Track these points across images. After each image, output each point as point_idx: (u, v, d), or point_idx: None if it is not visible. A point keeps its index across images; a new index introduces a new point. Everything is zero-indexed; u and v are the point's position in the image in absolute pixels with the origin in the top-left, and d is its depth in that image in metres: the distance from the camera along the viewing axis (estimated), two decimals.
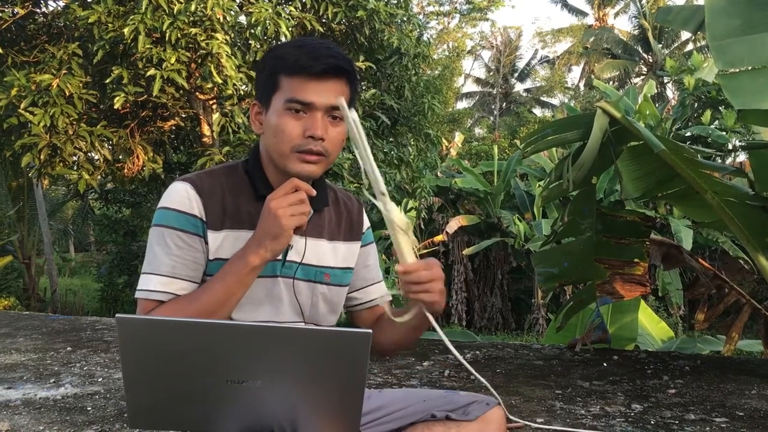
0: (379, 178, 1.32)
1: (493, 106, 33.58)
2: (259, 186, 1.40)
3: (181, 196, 1.36)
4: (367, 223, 1.59)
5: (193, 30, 6.16)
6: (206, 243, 1.35)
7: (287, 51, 1.37)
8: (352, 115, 1.33)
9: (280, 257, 1.39)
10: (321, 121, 1.32)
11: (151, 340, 1.07)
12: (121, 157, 7.50)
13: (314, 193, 1.31)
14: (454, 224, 14.10)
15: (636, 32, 29.71)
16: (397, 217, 1.32)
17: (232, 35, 6.69)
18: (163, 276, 1.33)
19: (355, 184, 7.24)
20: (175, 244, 1.34)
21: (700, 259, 4.60)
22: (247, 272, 1.28)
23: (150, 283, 1.33)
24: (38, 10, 7.62)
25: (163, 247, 1.34)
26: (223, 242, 1.35)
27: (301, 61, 1.33)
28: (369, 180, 1.33)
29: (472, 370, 1.40)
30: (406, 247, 1.33)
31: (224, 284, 1.29)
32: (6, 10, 7.14)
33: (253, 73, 6.24)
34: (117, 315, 1.05)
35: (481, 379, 1.41)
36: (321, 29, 7.39)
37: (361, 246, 1.55)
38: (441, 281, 1.31)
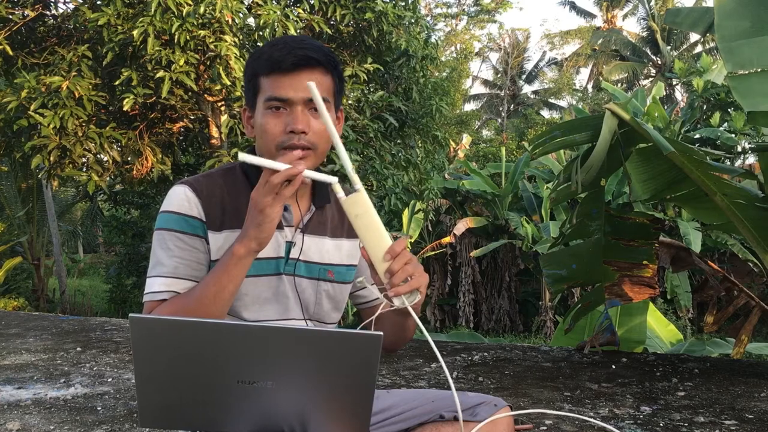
0: (345, 156, 1.28)
1: (500, 108, 33.52)
2: None
3: (180, 198, 1.37)
4: None
5: (202, 32, 6.19)
6: (207, 243, 1.36)
7: (263, 51, 1.38)
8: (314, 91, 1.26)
9: (282, 255, 1.39)
10: (301, 115, 1.32)
11: (164, 339, 1.07)
12: (130, 158, 7.53)
13: (297, 171, 1.22)
14: (461, 226, 14.10)
15: (644, 34, 29.64)
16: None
17: (241, 37, 6.71)
18: (166, 277, 1.34)
19: (364, 186, 7.22)
20: (177, 245, 1.35)
21: (709, 262, 4.58)
22: (235, 263, 1.27)
23: (154, 285, 1.34)
24: (48, 13, 7.66)
25: (165, 250, 1.35)
26: (224, 243, 1.36)
27: (274, 58, 1.33)
28: (339, 158, 1.28)
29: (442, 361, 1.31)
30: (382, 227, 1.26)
31: (215, 278, 1.28)
32: (16, 12, 7.18)
33: None
34: (130, 315, 1.05)
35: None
36: (329, 31, 7.40)
37: None
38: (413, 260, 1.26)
